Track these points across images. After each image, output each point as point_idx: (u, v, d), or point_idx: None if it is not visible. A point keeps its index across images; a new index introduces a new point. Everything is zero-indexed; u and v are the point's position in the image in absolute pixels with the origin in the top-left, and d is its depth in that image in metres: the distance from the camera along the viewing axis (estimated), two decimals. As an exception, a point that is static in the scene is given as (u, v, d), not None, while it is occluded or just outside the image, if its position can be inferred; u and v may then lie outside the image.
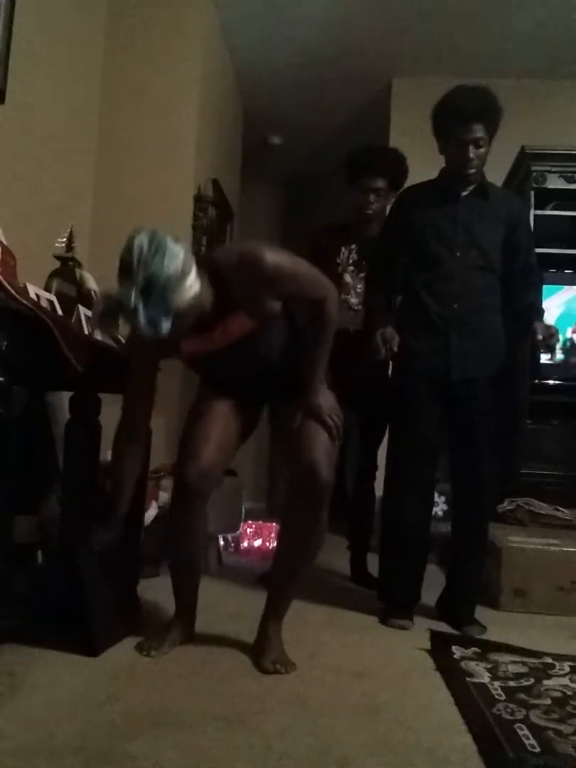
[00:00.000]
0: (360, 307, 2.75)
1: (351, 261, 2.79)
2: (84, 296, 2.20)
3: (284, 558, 1.84)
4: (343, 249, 2.80)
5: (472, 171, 2.18)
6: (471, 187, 2.23)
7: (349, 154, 2.79)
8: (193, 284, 1.51)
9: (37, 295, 1.92)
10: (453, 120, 2.15)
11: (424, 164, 2.31)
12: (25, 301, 1.68)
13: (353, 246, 2.80)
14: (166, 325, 1.47)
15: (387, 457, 2.35)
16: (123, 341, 2.05)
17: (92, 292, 2.21)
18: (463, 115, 2.13)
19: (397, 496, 2.26)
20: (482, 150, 2.16)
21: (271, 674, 1.66)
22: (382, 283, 2.38)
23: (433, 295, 2.21)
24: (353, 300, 2.76)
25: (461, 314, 2.19)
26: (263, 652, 1.74)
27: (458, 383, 2.19)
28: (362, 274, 2.76)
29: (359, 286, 2.76)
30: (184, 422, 1.90)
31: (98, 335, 2.00)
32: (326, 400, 1.82)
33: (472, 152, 2.14)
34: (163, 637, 1.81)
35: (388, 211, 2.79)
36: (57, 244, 2.21)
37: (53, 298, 2.04)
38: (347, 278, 2.78)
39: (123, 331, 1.69)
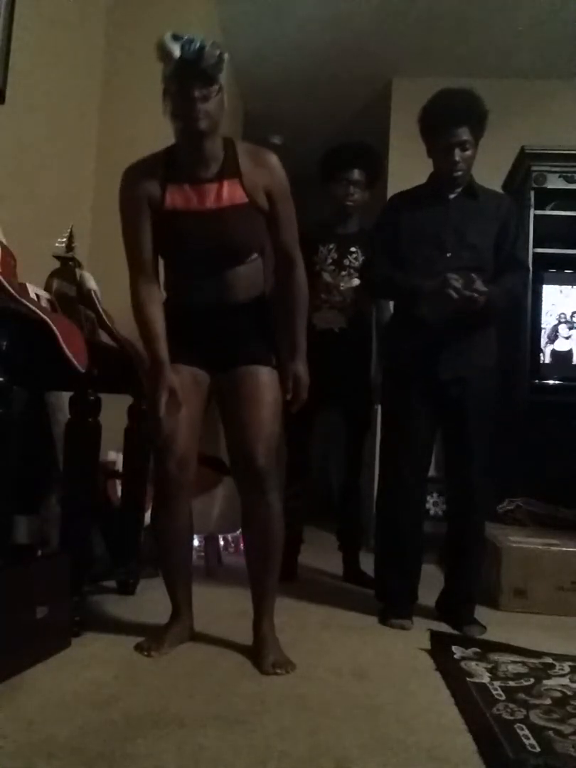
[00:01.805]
0: (344, 305, 2.75)
1: (330, 260, 2.79)
2: (84, 296, 2.20)
3: (251, 552, 1.88)
4: (321, 247, 2.80)
5: (459, 174, 2.20)
6: (459, 189, 2.25)
7: (326, 151, 2.84)
8: (223, 86, 1.66)
9: (37, 295, 1.92)
10: (438, 124, 2.16)
11: (424, 164, 2.31)
12: (25, 301, 1.68)
13: (332, 245, 2.80)
14: (212, 61, 1.59)
15: (380, 457, 2.37)
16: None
17: (92, 292, 2.21)
18: (447, 119, 2.14)
19: (390, 496, 2.28)
20: (468, 153, 2.17)
21: (271, 676, 1.66)
22: (384, 269, 2.30)
23: (424, 296, 2.20)
24: (337, 298, 2.76)
25: (452, 314, 2.18)
26: (261, 654, 1.74)
27: (449, 382, 2.19)
28: (343, 273, 2.76)
29: (342, 284, 2.76)
30: (148, 407, 1.86)
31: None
32: (305, 370, 1.84)
33: (458, 155, 2.16)
34: (162, 636, 1.81)
35: (366, 206, 2.85)
36: (57, 244, 2.21)
37: (53, 298, 2.04)
38: (327, 277, 2.78)
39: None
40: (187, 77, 1.62)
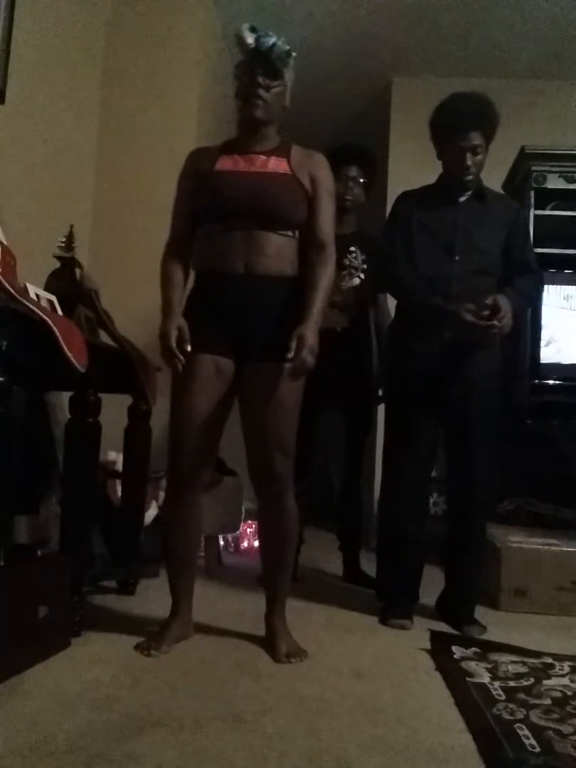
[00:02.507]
0: (345, 304, 2.75)
1: None
2: (84, 296, 2.20)
3: (265, 550, 1.93)
4: None
5: (470, 178, 2.20)
6: (469, 193, 2.26)
7: (325, 151, 2.82)
8: (288, 82, 1.87)
9: (37, 295, 1.92)
10: (450, 128, 2.17)
11: (423, 164, 2.31)
12: (25, 301, 1.68)
13: None
14: (281, 56, 1.79)
15: (383, 457, 2.37)
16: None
17: (92, 292, 2.21)
18: (460, 123, 2.15)
19: (393, 497, 2.28)
20: (479, 157, 2.18)
21: (285, 665, 1.73)
22: (398, 266, 2.28)
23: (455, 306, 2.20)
24: (337, 298, 2.75)
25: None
26: (274, 645, 1.81)
27: (454, 383, 2.19)
28: (343, 273, 2.77)
29: (342, 284, 2.76)
30: (171, 402, 1.86)
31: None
32: (314, 338, 1.76)
33: (469, 160, 2.16)
34: (162, 635, 1.82)
35: (363, 208, 2.86)
36: (57, 245, 2.21)
37: (53, 298, 2.04)
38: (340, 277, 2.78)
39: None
40: (255, 66, 1.80)
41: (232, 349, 1.83)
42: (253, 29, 1.79)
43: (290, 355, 1.72)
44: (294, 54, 1.82)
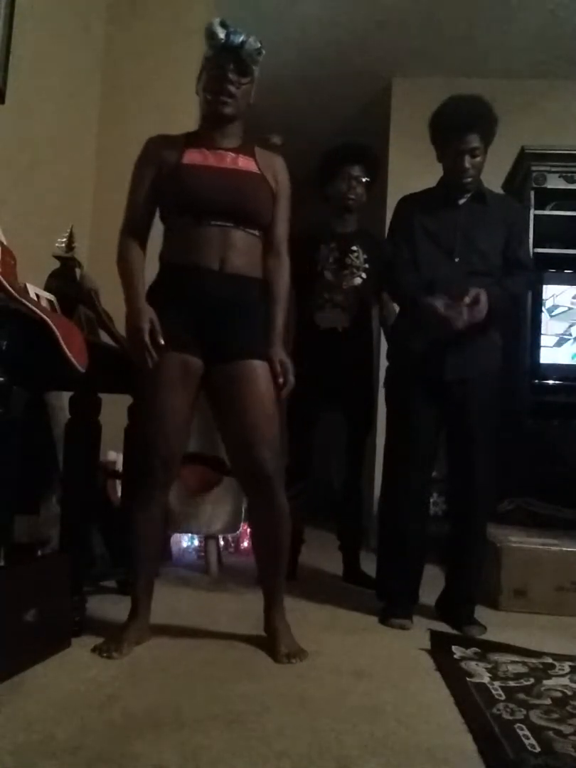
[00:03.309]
0: (347, 304, 2.75)
1: (332, 259, 2.79)
2: (84, 296, 2.20)
3: (259, 551, 1.93)
4: (322, 246, 2.81)
5: (469, 180, 2.21)
6: (469, 195, 2.26)
7: (326, 150, 2.86)
8: (255, 79, 1.85)
9: (37, 295, 1.92)
10: (449, 130, 2.18)
11: (424, 164, 2.31)
12: (25, 301, 1.68)
13: (333, 244, 2.80)
14: (251, 53, 1.78)
15: (384, 458, 2.37)
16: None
17: (92, 292, 2.21)
18: (458, 126, 2.15)
19: (394, 497, 2.28)
20: (478, 159, 2.19)
21: (285, 665, 1.72)
22: (408, 271, 2.29)
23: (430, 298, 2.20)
24: (339, 297, 2.75)
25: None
26: (274, 645, 1.80)
27: (454, 384, 2.19)
28: (345, 272, 2.76)
29: (344, 283, 2.76)
30: (137, 395, 1.88)
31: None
32: (285, 357, 1.85)
33: (468, 162, 2.17)
34: (122, 636, 1.77)
35: (364, 207, 2.86)
36: (57, 244, 2.21)
37: (53, 298, 2.03)
38: (329, 276, 2.78)
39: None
40: (224, 61, 1.79)
41: (201, 348, 1.80)
42: (223, 24, 1.78)
43: (280, 380, 1.80)
44: (263, 51, 1.82)
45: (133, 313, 1.77)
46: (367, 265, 2.78)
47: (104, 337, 2.23)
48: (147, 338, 1.73)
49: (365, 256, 2.79)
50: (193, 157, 1.84)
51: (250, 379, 1.78)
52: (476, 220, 2.24)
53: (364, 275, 2.78)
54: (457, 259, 2.21)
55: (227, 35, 1.77)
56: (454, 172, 2.21)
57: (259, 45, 1.80)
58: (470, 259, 2.21)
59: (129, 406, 2.36)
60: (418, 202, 2.33)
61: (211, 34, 1.79)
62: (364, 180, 2.81)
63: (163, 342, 1.74)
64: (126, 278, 1.83)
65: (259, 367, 1.80)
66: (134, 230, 1.88)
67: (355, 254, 2.80)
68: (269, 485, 1.80)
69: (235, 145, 1.88)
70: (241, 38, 1.77)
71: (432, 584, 2.34)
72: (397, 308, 2.57)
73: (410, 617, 2.19)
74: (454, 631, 2.14)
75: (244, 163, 1.86)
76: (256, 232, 1.86)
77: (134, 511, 1.86)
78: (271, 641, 1.82)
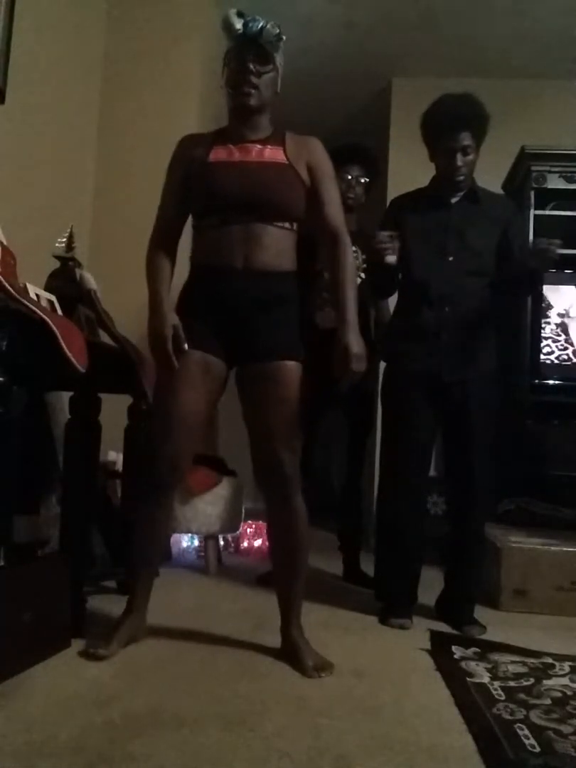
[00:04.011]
0: None
1: None
2: (84, 296, 2.20)
3: (277, 556, 1.85)
4: (321, 247, 2.80)
5: (461, 178, 2.21)
6: (461, 193, 2.26)
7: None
8: (279, 66, 1.83)
9: (37, 295, 1.92)
10: (440, 129, 2.18)
11: (424, 164, 2.31)
12: (25, 301, 1.68)
13: None
14: (271, 39, 1.74)
15: (380, 458, 2.37)
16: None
17: (92, 292, 2.21)
18: (449, 124, 2.16)
19: (391, 497, 2.28)
20: (470, 157, 2.19)
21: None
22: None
23: (425, 298, 2.22)
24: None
25: (453, 317, 2.20)
26: (299, 659, 1.72)
27: (450, 384, 2.20)
28: None
29: None
30: (155, 398, 1.84)
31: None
32: (358, 343, 1.77)
33: (459, 160, 2.17)
34: (113, 634, 1.76)
35: (364, 208, 2.87)
36: (57, 244, 2.21)
37: (53, 298, 2.04)
38: (328, 276, 2.78)
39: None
40: (245, 52, 1.75)
41: (225, 349, 1.78)
42: (240, 14, 1.75)
43: (347, 365, 1.74)
44: (283, 37, 1.78)
45: (156, 319, 1.74)
46: (365, 266, 2.79)
47: (104, 337, 2.23)
48: (170, 346, 1.71)
49: (364, 257, 2.79)
50: (219, 154, 1.80)
51: (276, 380, 1.76)
52: (469, 218, 2.24)
53: (362, 275, 2.79)
54: (450, 259, 2.21)
55: (245, 24, 1.73)
56: (447, 170, 2.21)
57: (278, 30, 1.76)
58: (464, 258, 2.21)
59: (129, 406, 2.36)
60: (409, 202, 2.34)
61: (227, 26, 1.75)
62: (363, 180, 2.81)
63: (187, 347, 1.72)
64: (151, 284, 1.80)
65: (291, 367, 1.77)
66: (163, 234, 1.85)
67: (354, 255, 2.80)
68: (287, 486, 1.76)
69: (263, 137, 1.83)
70: (260, 25, 1.73)
71: (432, 584, 2.34)
72: (391, 309, 2.57)
73: (410, 617, 2.19)
74: (454, 631, 2.14)
75: (271, 153, 1.80)
76: (287, 225, 1.80)
77: (140, 510, 1.83)
78: (294, 655, 1.74)
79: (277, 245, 1.78)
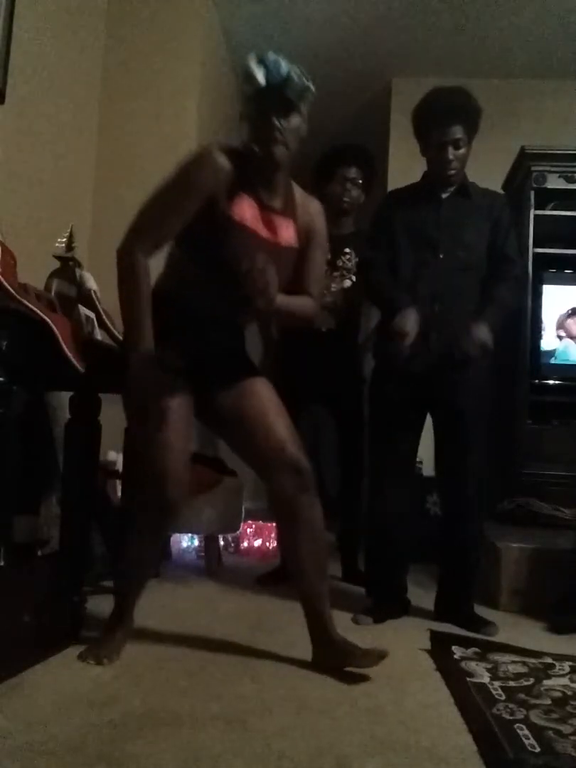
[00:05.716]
0: (335, 306, 2.76)
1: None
2: (84, 296, 2.20)
3: (305, 558, 1.75)
4: None
5: (452, 172, 2.19)
6: (452, 188, 2.24)
7: (323, 153, 2.86)
8: (305, 116, 1.65)
9: (37, 295, 1.92)
10: (431, 122, 2.16)
11: (423, 164, 2.31)
12: (25, 301, 1.68)
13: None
14: (298, 90, 1.57)
15: (369, 457, 2.38)
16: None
17: (92, 292, 2.21)
18: (441, 117, 2.14)
19: (378, 495, 2.29)
20: (461, 151, 2.17)
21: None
22: (382, 272, 2.30)
23: (414, 296, 2.19)
24: (327, 299, 2.75)
25: (442, 315, 2.18)
26: (362, 656, 1.65)
27: (440, 383, 2.19)
28: (335, 274, 2.77)
29: (333, 285, 2.76)
30: (142, 416, 1.73)
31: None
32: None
33: (451, 154, 2.15)
34: (110, 645, 1.72)
35: (361, 209, 2.86)
36: (57, 244, 2.21)
37: (53, 298, 2.03)
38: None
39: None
40: (268, 104, 1.59)
41: (194, 378, 1.73)
42: (261, 61, 1.57)
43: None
44: (312, 89, 1.59)
45: (141, 343, 1.63)
46: (357, 267, 2.78)
47: (104, 337, 2.23)
48: (154, 389, 1.64)
49: (357, 260, 2.79)
50: (243, 211, 1.67)
51: (263, 390, 1.78)
52: (460, 214, 2.22)
53: (353, 278, 2.78)
54: (441, 255, 2.19)
55: (267, 74, 1.56)
56: (438, 164, 2.19)
57: (306, 79, 1.58)
58: (456, 253, 2.19)
59: (129, 406, 2.36)
60: (401, 197, 2.32)
61: (248, 78, 1.59)
62: (359, 181, 2.81)
63: (175, 370, 1.66)
64: (134, 305, 1.65)
65: (256, 380, 1.80)
66: (151, 250, 1.68)
67: (347, 257, 2.80)
68: (307, 481, 1.72)
69: (282, 204, 1.74)
70: (284, 73, 1.55)
71: (431, 585, 2.34)
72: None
73: (400, 610, 2.21)
74: (454, 632, 2.13)
75: (288, 234, 1.74)
76: None
77: (147, 520, 1.74)
78: (350, 655, 1.66)
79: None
